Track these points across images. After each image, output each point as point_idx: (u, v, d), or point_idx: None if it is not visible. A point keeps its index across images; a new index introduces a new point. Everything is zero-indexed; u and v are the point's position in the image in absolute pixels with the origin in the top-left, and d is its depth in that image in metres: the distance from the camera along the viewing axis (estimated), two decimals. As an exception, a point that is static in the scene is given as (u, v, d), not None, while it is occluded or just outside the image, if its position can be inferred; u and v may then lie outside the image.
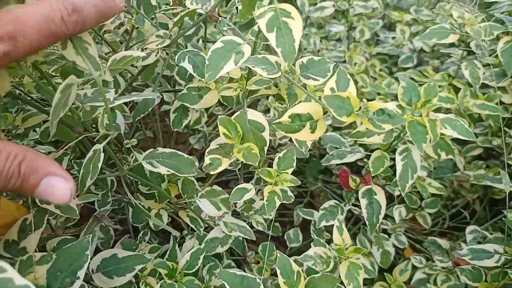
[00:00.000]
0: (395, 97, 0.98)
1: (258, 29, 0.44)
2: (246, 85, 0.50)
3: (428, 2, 1.32)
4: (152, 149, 0.52)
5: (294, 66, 0.48)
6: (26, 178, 0.32)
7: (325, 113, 0.40)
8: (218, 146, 0.54)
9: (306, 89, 0.46)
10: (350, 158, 0.72)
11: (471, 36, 0.84)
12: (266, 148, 0.47)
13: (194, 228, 0.62)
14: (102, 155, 0.41)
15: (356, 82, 1.00)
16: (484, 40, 0.84)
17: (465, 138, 0.63)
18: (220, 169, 0.46)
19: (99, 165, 0.41)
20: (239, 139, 0.46)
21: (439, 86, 0.91)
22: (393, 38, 1.25)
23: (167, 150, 0.51)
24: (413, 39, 1.15)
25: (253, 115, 0.48)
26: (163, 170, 0.49)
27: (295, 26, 0.37)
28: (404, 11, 1.37)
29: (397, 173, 0.63)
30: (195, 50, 0.53)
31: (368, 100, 1.08)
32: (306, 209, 0.89)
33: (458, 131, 0.64)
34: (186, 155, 0.51)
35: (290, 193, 0.53)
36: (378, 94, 0.94)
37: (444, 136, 0.66)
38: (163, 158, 0.51)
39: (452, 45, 1.05)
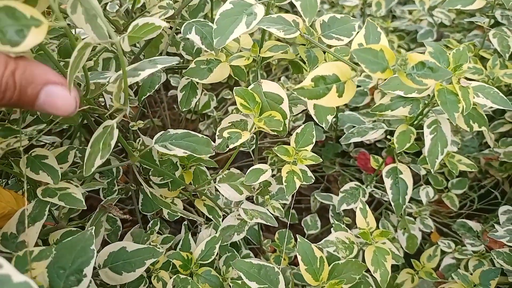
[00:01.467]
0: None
1: None
2: (259, 52, 0.45)
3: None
4: (162, 132, 0.48)
5: (314, 25, 0.43)
6: (23, 90, 0.28)
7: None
8: (230, 123, 0.49)
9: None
10: (371, 136, 0.67)
11: (498, 3, 0.78)
12: (288, 121, 0.42)
13: (212, 218, 0.57)
14: (116, 131, 0.36)
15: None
16: (511, 9, 0.78)
17: (501, 107, 0.58)
18: (240, 141, 0.42)
19: (112, 143, 0.36)
20: (259, 109, 0.42)
21: (465, 58, 0.85)
22: (410, 13, 1.19)
23: (179, 130, 0.47)
24: (433, 12, 1.08)
25: (269, 86, 0.44)
26: (179, 152, 0.45)
27: None
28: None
29: (426, 148, 0.58)
30: (202, 20, 0.49)
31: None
32: (324, 193, 0.85)
33: (492, 100, 0.58)
34: (200, 135, 0.47)
35: (310, 173, 0.48)
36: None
37: (476, 106, 0.60)
38: (177, 140, 0.46)
39: (474, 15, 0.98)
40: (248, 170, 0.47)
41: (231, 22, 0.40)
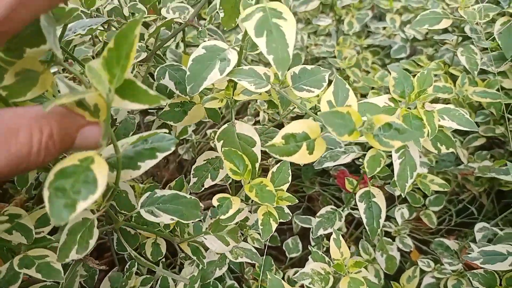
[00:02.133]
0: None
1: (245, 31, 0.39)
2: (233, 94, 0.45)
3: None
4: (149, 193, 0.45)
5: (285, 76, 0.43)
6: (62, 146, 0.29)
7: (322, 129, 0.35)
8: (205, 161, 0.49)
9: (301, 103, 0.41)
10: (343, 160, 0.67)
11: (465, 20, 0.80)
12: (258, 165, 0.42)
13: (196, 259, 0.56)
14: (96, 231, 0.35)
15: (347, 77, 0.95)
16: (479, 24, 0.80)
17: (466, 129, 0.59)
18: (231, 212, 0.41)
19: (91, 242, 0.34)
20: (249, 175, 0.41)
21: (435, 75, 0.87)
22: (384, 28, 1.21)
23: (167, 192, 0.44)
24: (405, 28, 1.10)
25: (242, 128, 0.44)
26: (166, 218, 0.42)
27: (288, 28, 0.31)
28: None
29: (395, 173, 0.58)
30: (175, 64, 0.49)
31: (362, 96, 1.03)
32: (304, 216, 0.85)
33: (458, 122, 0.59)
34: (188, 196, 0.44)
35: (287, 210, 0.48)
36: (372, 88, 0.90)
37: (443, 128, 0.61)
38: (164, 204, 0.43)
39: (445, 31, 1.01)
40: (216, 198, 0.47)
41: (204, 68, 0.39)
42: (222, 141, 0.42)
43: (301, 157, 0.33)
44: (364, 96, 1.02)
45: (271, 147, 0.33)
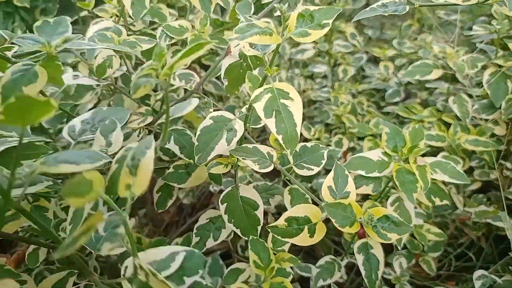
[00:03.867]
0: (385, 137, 0.97)
1: (250, 105, 0.42)
2: (237, 161, 0.48)
3: (410, 32, 1.34)
4: None
5: (287, 154, 0.47)
6: None
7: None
8: (208, 220, 0.51)
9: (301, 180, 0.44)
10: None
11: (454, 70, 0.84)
12: (259, 228, 0.45)
13: None
14: None
15: (343, 124, 0.99)
16: (468, 74, 0.84)
17: (458, 182, 0.62)
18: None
19: None
20: (272, 272, 0.43)
21: (428, 123, 0.91)
22: (379, 72, 1.26)
23: None
24: (399, 73, 1.15)
25: (246, 191, 0.47)
26: None
27: (295, 108, 0.35)
28: (388, 44, 1.39)
29: (391, 226, 0.60)
30: (180, 128, 0.52)
31: (359, 139, 1.06)
32: (303, 263, 0.86)
33: (450, 175, 0.62)
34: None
35: (289, 269, 0.50)
36: (370, 135, 0.93)
37: (436, 180, 0.64)
38: None
39: (438, 78, 1.05)
40: (227, 270, 0.49)
41: (212, 138, 0.42)
42: (226, 204, 0.45)
43: (303, 240, 0.36)
44: (361, 139, 1.05)
45: (274, 228, 0.35)
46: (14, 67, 0.32)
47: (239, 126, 0.42)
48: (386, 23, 1.54)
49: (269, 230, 0.37)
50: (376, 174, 0.61)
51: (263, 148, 0.43)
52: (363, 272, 0.65)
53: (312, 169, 0.45)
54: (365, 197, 0.75)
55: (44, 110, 0.25)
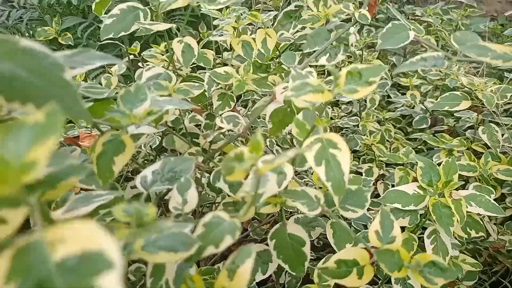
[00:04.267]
0: (414, 166, 0.99)
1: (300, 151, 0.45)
2: (285, 201, 0.51)
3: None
4: None
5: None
6: None
7: (371, 257, 0.41)
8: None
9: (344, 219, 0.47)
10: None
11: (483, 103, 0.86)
12: (306, 264, 0.47)
13: None
14: None
15: (373, 152, 1.01)
16: (498, 105, 0.86)
17: (493, 214, 0.63)
18: None
19: None
20: None
21: (458, 151, 0.92)
22: (405, 100, 1.28)
23: None
24: (426, 101, 1.17)
25: (293, 229, 0.50)
26: None
27: (343, 158, 0.37)
28: (412, 70, 1.42)
29: (428, 258, 0.62)
30: None
31: (387, 165, 1.08)
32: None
33: (485, 208, 0.64)
34: None
35: None
36: (397, 164, 0.95)
37: (471, 213, 0.66)
38: None
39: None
40: None
41: (263, 182, 0.44)
42: (274, 240, 0.48)
43: (351, 281, 0.39)
44: (389, 165, 1.07)
45: (324, 269, 0.38)
46: (102, 138, 0.36)
47: (288, 169, 0.44)
48: (409, 49, 1.57)
49: (319, 271, 0.39)
50: (412, 207, 0.63)
51: (311, 191, 0.46)
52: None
53: (357, 212, 0.48)
54: (401, 229, 0.76)
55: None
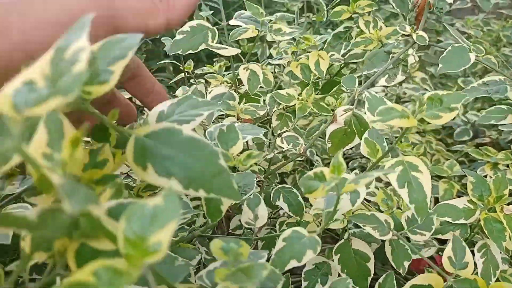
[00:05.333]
0: (459, 178, 1.00)
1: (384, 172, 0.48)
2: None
3: (475, 70, 1.36)
4: None
5: (400, 218, 0.52)
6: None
7: (444, 281, 0.43)
8: (314, 265, 0.56)
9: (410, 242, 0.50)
10: (425, 253, 0.74)
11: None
12: (369, 279, 0.50)
13: None
14: None
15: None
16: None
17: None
18: None
19: None
20: None
21: (503, 165, 0.93)
22: (444, 110, 1.29)
23: None
24: (468, 113, 1.18)
25: (358, 244, 0.52)
26: None
27: (425, 181, 0.40)
28: (450, 79, 1.43)
29: (478, 271, 0.64)
30: (287, 186, 0.58)
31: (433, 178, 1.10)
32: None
33: (536, 223, 0.65)
34: None
35: None
36: (442, 176, 0.97)
37: (522, 227, 0.67)
38: None
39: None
40: None
41: (336, 199, 0.47)
42: (339, 254, 0.51)
43: None
44: (431, 178, 1.09)
45: None
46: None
47: (361, 188, 0.47)
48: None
49: None
50: (462, 221, 0.65)
51: (381, 216, 0.49)
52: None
53: (425, 235, 0.51)
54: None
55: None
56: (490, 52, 1.26)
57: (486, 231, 0.62)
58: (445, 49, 0.63)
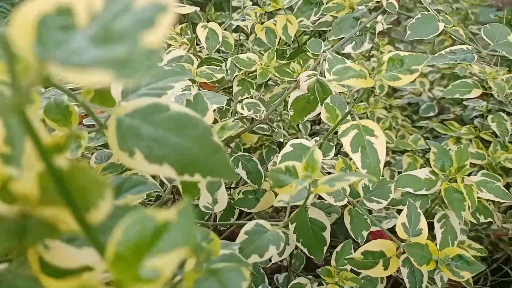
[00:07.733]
0: (423, 153, 1.01)
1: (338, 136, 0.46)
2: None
3: (442, 47, 1.37)
4: None
5: (357, 186, 0.51)
6: None
7: (397, 249, 0.43)
8: None
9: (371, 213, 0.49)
10: (385, 225, 0.74)
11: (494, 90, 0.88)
12: (325, 248, 0.49)
13: None
14: None
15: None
16: (508, 94, 0.88)
17: (502, 200, 0.66)
18: None
19: None
20: None
21: (465, 139, 0.95)
22: (413, 87, 1.30)
23: None
24: (433, 89, 1.19)
25: (315, 213, 0.51)
26: None
27: (379, 146, 0.39)
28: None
29: (437, 242, 0.65)
30: (247, 154, 0.56)
31: (393, 152, 1.11)
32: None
33: (495, 194, 0.66)
34: None
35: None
36: (406, 151, 0.98)
37: (481, 198, 0.68)
38: None
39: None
40: (289, 285, 0.54)
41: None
42: (295, 224, 0.50)
43: (377, 272, 0.41)
44: (395, 153, 1.10)
45: (350, 260, 0.40)
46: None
47: (317, 153, 0.46)
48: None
49: (345, 261, 0.41)
50: (424, 191, 0.66)
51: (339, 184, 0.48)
52: (408, 285, 0.70)
53: (381, 203, 0.50)
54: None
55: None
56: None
57: (446, 201, 0.62)
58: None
